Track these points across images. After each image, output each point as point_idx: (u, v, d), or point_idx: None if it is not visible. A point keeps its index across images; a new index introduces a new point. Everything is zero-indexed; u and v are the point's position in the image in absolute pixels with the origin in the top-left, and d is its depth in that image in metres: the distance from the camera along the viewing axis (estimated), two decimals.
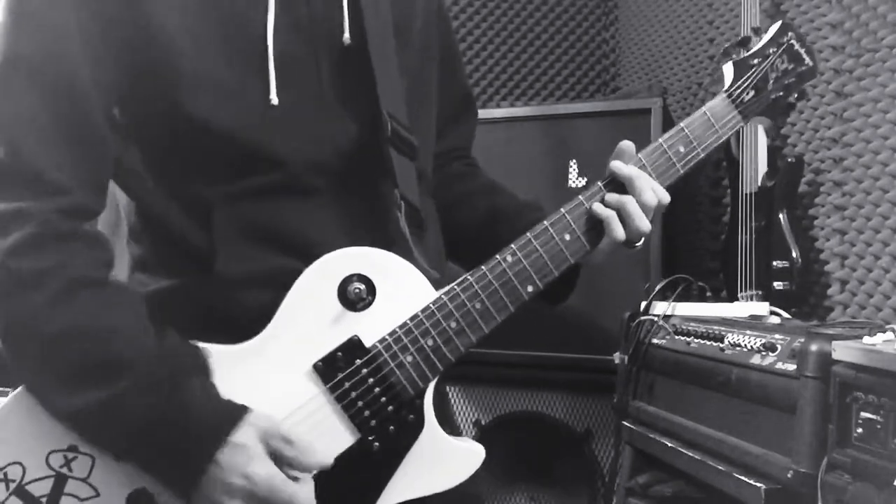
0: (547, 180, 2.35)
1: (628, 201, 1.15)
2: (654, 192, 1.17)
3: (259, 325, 1.03)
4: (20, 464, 0.98)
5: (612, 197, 1.16)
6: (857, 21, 1.93)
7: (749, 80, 1.27)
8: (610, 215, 1.15)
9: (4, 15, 0.97)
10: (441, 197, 1.29)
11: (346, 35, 1.09)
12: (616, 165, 1.17)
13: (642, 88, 2.73)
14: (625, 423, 1.86)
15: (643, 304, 1.89)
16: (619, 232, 1.15)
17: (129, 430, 0.95)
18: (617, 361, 1.91)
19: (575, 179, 2.34)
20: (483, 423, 2.39)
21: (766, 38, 1.30)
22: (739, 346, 1.52)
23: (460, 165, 1.40)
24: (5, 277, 0.94)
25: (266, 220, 1.05)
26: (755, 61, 1.28)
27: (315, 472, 1.00)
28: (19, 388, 0.99)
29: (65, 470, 0.98)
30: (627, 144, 1.20)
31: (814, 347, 1.30)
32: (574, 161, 2.35)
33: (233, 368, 1.01)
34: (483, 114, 2.46)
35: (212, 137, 1.02)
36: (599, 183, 1.18)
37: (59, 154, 0.96)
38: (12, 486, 0.97)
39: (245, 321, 1.03)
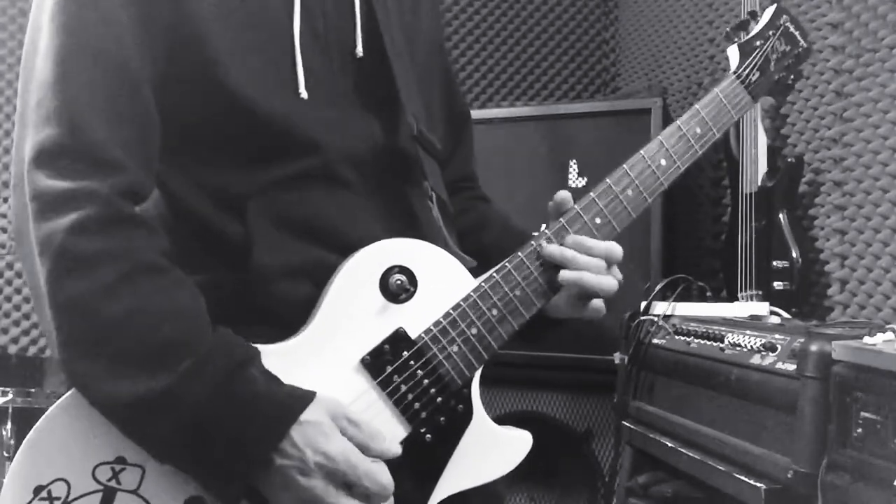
0: (547, 180, 2.35)
1: (582, 277, 1.10)
2: (595, 251, 1.11)
3: (295, 318, 1.02)
4: (65, 480, 0.93)
5: (565, 275, 1.10)
6: (857, 21, 1.93)
7: (754, 62, 1.29)
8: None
9: None
10: None
11: (359, 48, 1.11)
12: (548, 251, 1.10)
13: (642, 88, 2.74)
14: (625, 423, 1.86)
15: (643, 304, 1.89)
16: (600, 306, 1.17)
17: (190, 419, 0.90)
18: (617, 361, 1.91)
19: (575, 179, 2.34)
20: None
21: (764, 21, 1.33)
22: (739, 346, 1.52)
23: (460, 200, 1.37)
24: (65, 256, 0.91)
25: (300, 210, 1.04)
26: (758, 43, 1.30)
27: (386, 456, 0.99)
28: (59, 401, 0.95)
29: (113, 483, 0.94)
30: (562, 196, 1.14)
31: (814, 347, 1.29)
32: (574, 161, 2.35)
33: (278, 368, 0.97)
34: (483, 114, 2.50)
35: (247, 117, 1.02)
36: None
37: (118, 132, 0.96)
38: None
39: (281, 313, 1.02)
